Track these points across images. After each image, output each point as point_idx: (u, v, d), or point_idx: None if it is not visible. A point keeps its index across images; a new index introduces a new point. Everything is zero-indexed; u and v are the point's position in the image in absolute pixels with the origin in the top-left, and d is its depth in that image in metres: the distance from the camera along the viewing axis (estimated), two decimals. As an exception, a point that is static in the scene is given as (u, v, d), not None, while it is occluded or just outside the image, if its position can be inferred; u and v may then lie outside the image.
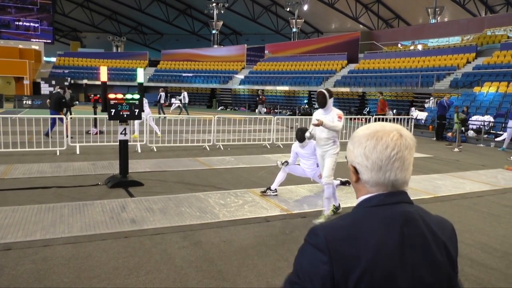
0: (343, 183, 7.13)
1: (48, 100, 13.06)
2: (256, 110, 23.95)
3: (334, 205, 5.57)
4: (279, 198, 6.19)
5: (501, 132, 14.59)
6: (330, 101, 5.21)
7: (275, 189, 6.37)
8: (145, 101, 11.28)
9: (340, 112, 5.25)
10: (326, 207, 5.37)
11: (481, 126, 15.13)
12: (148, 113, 12.05)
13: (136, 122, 11.85)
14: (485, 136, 14.74)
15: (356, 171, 1.15)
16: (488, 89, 18.39)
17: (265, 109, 24.38)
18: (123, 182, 6.64)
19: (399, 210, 1.10)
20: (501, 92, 17.64)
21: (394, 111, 21.53)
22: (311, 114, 7.12)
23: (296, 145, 6.26)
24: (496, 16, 29.66)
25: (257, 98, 24.27)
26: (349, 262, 1.03)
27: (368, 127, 1.16)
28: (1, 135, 9.37)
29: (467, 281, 3.69)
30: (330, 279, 1.03)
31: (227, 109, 32.92)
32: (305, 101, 30.56)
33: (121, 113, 6.56)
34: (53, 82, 32.75)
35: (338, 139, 5.42)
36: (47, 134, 11.01)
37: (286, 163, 6.12)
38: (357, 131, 1.19)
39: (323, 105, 5.17)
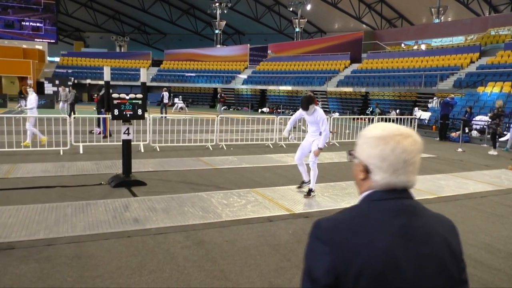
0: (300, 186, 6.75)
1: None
2: (217, 109, 23.63)
3: None
4: (281, 198, 6.18)
5: (505, 132, 14.52)
6: None
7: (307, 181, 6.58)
8: (33, 96, 10.39)
9: None
10: None
11: (484, 126, 15.07)
12: (33, 111, 10.54)
13: (28, 124, 10.15)
14: (489, 136, 14.66)
15: (366, 170, 1.16)
16: (492, 89, 18.32)
17: (223, 108, 23.80)
18: (126, 182, 6.65)
19: (401, 204, 1.13)
20: (505, 92, 17.57)
21: (398, 111, 21.47)
22: None
23: (300, 111, 6.45)
24: (500, 15, 29.54)
25: (218, 97, 23.83)
26: (350, 253, 1.05)
27: (383, 128, 1.16)
28: (5, 135, 9.40)
29: (471, 281, 3.67)
30: (332, 271, 1.05)
31: (230, 109, 32.93)
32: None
33: (124, 112, 6.58)
34: (57, 82, 32.94)
35: None
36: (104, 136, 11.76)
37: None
38: (370, 130, 1.19)
39: None
